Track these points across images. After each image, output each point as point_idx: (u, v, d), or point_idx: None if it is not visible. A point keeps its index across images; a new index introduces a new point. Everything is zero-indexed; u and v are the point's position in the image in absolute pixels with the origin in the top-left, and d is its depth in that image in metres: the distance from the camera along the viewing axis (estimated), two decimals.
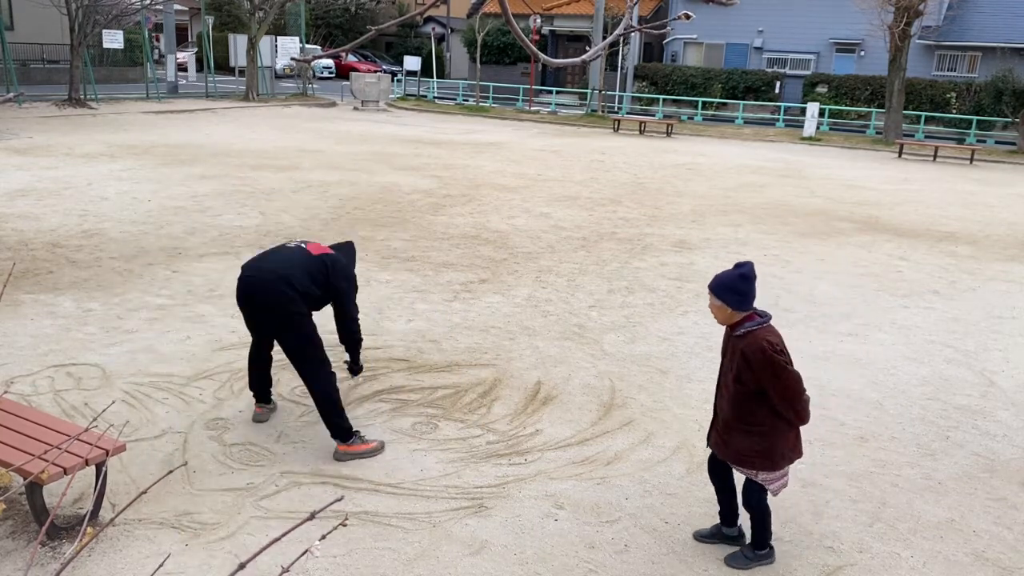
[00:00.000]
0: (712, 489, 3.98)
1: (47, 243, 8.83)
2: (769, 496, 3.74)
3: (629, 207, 12.60)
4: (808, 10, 32.22)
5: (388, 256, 8.98)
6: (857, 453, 5.00)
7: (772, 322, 3.59)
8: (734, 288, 3.48)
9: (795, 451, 3.70)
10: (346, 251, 5.05)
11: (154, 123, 20.73)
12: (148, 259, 8.41)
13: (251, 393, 5.07)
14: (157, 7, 29.52)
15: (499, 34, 36.41)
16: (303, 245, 4.75)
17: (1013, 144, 23.86)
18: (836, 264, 9.60)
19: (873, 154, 22.24)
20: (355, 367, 5.07)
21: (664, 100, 31.95)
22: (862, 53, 31.90)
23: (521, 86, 32.42)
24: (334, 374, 4.68)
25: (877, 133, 25.80)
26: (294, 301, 4.46)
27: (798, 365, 3.62)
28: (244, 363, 5.12)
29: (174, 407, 5.13)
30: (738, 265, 3.54)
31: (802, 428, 3.68)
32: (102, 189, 11.83)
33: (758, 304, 3.61)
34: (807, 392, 3.61)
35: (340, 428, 4.57)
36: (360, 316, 4.92)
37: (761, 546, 3.82)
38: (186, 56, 38.06)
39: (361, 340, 4.99)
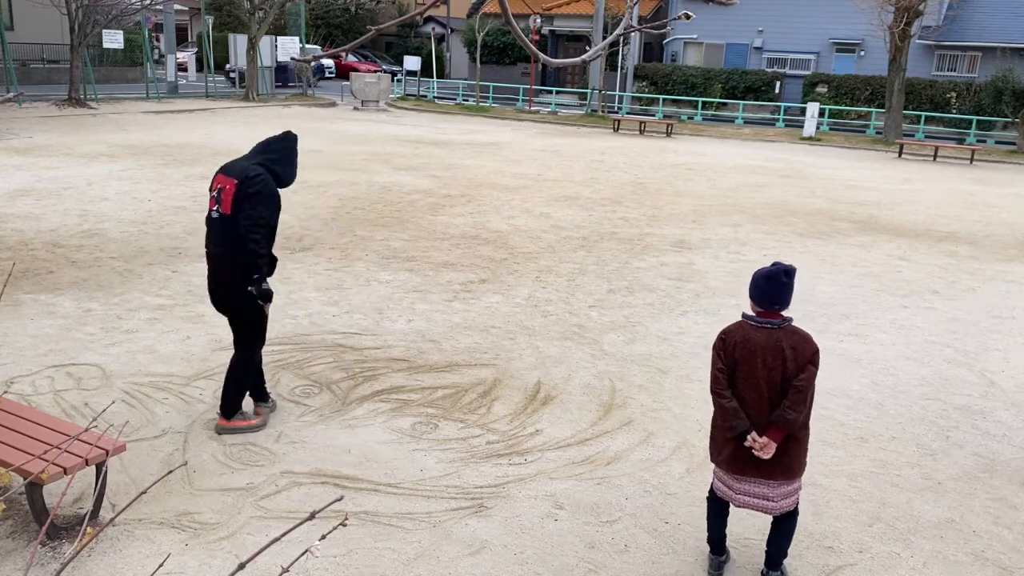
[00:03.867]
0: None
1: (47, 243, 8.83)
2: (724, 501, 3.71)
3: (629, 207, 12.60)
4: (808, 10, 32.21)
5: (388, 256, 8.98)
6: (857, 453, 5.00)
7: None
8: (754, 282, 3.59)
9: (717, 452, 3.62)
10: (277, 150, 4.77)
11: (154, 123, 20.73)
12: (148, 259, 8.41)
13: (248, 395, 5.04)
14: (157, 7, 29.53)
15: (499, 34, 36.40)
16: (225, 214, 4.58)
17: (1013, 144, 23.86)
18: (836, 264, 9.60)
19: (873, 154, 22.24)
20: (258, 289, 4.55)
21: (664, 100, 31.94)
22: (862, 53, 31.91)
23: (521, 86, 32.41)
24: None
25: (877, 133, 25.81)
26: None
27: None
28: (252, 375, 5.06)
29: (174, 407, 5.13)
30: (772, 264, 3.61)
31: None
32: (102, 189, 11.83)
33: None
34: (723, 399, 3.49)
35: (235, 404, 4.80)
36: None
37: (708, 541, 3.84)
38: (186, 56, 38.06)
39: (260, 255, 4.50)
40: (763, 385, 3.44)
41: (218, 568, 3.61)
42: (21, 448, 3.73)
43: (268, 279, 4.64)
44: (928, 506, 4.45)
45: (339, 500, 1.60)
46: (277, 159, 4.73)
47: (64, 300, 7.04)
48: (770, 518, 3.72)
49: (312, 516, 1.45)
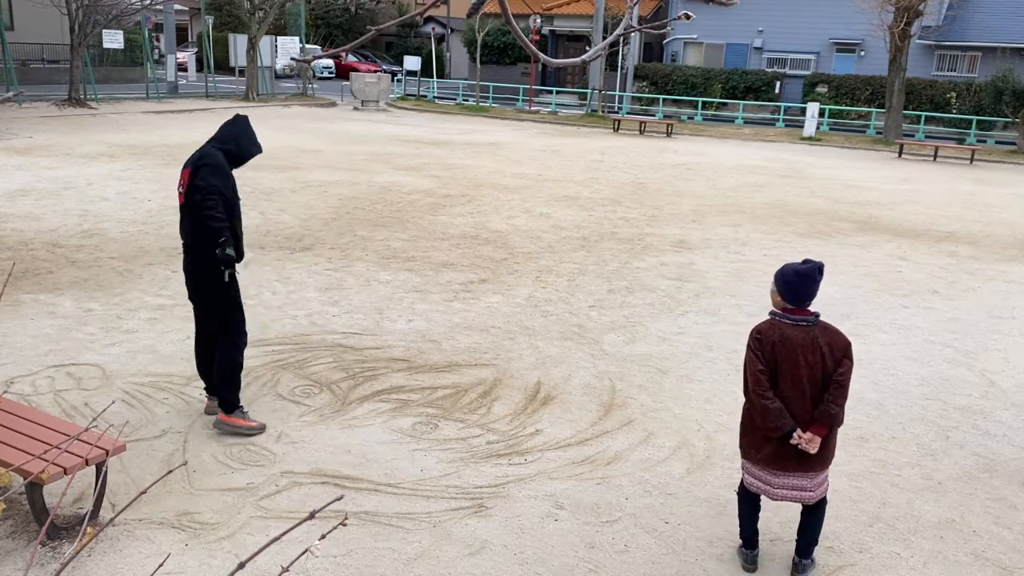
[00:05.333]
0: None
1: (47, 243, 8.83)
2: (755, 493, 3.78)
3: (629, 207, 12.60)
4: (808, 10, 32.21)
5: (388, 256, 8.98)
6: (857, 453, 5.00)
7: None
8: (786, 279, 3.62)
9: (756, 450, 3.64)
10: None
11: (154, 123, 20.73)
12: (148, 259, 8.41)
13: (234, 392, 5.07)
14: (157, 7, 29.51)
15: (499, 34, 36.40)
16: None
17: (1013, 144, 23.85)
18: (836, 264, 9.60)
19: (873, 154, 22.24)
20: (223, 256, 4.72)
21: (664, 100, 31.94)
22: (862, 53, 31.90)
23: (521, 86, 32.41)
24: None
25: (877, 133, 25.81)
26: None
27: None
28: (243, 363, 5.10)
29: (174, 407, 5.13)
30: (804, 262, 3.66)
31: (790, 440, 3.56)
32: (102, 189, 11.83)
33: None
34: (766, 400, 3.48)
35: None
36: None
37: (741, 536, 3.89)
38: (186, 56, 38.06)
39: (217, 218, 4.69)
40: (805, 383, 3.51)
41: (218, 568, 3.61)
42: (21, 448, 3.73)
43: (237, 259, 4.78)
44: (928, 506, 4.45)
45: (339, 500, 1.60)
46: (230, 139, 4.94)
47: (64, 300, 7.04)
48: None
49: (312, 516, 1.45)
